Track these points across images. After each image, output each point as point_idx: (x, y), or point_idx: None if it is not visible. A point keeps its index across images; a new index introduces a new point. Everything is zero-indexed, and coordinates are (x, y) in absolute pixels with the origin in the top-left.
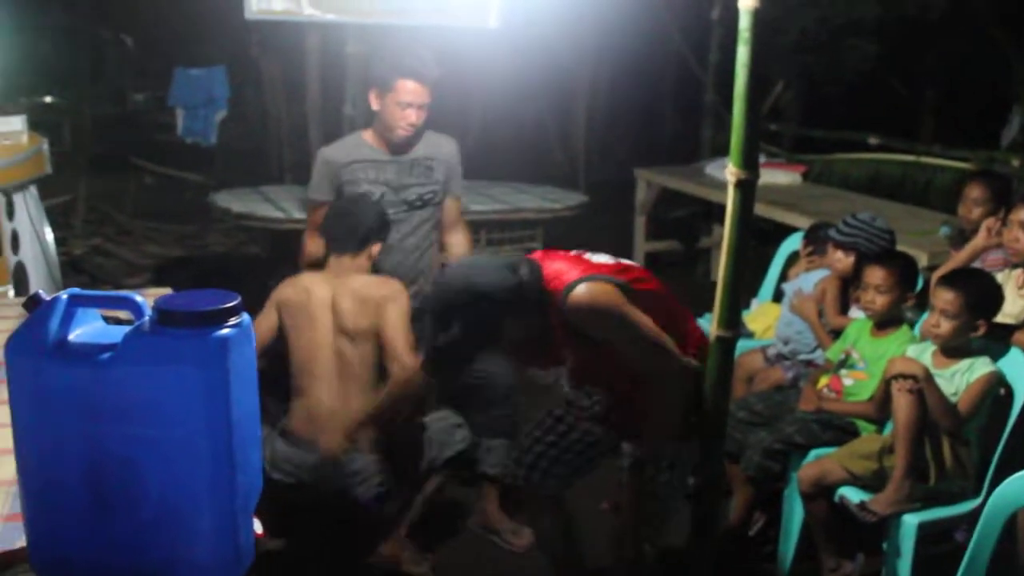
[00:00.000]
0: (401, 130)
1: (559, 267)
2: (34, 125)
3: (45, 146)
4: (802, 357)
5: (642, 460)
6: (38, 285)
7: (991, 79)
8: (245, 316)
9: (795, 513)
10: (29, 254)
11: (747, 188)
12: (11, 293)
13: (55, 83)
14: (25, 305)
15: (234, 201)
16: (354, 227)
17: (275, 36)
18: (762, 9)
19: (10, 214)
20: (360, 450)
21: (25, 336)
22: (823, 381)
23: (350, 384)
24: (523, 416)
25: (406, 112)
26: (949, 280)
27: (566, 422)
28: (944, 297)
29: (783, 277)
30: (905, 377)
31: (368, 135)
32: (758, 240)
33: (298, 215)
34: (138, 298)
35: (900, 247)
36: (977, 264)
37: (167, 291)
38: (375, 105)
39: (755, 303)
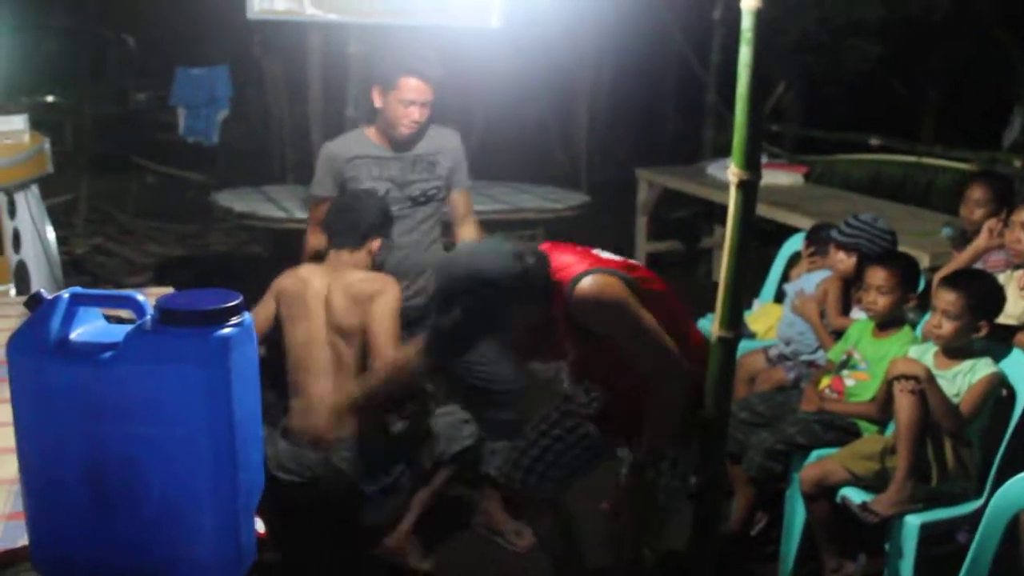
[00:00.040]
0: (404, 128)
1: (567, 259)
2: (36, 124)
3: (47, 145)
4: (804, 358)
5: (641, 463)
6: (40, 284)
7: (994, 80)
8: (247, 315)
9: (797, 514)
10: (31, 253)
11: (749, 189)
12: (13, 292)
13: (57, 82)
14: (27, 304)
15: (236, 201)
16: (355, 222)
17: (277, 36)
18: (764, 9)
19: (12, 213)
20: (355, 437)
21: (27, 335)
22: (825, 382)
23: (346, 381)
24: (526, 417)
25: (409, 110)
26: (951, 281)
27: (563, 425)
28: (946, 298)
29: (785, 278)
30: (907, 378)
31: (371, 131)
32: (760, 241)
33: (300, 215)
34: (140, 297)
35: (902, 248)
36: (979, 265)
37: (169, 290)
38: (378, 102)
39: (757, 304)
